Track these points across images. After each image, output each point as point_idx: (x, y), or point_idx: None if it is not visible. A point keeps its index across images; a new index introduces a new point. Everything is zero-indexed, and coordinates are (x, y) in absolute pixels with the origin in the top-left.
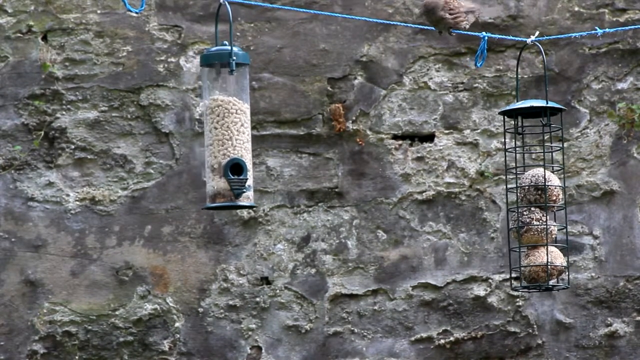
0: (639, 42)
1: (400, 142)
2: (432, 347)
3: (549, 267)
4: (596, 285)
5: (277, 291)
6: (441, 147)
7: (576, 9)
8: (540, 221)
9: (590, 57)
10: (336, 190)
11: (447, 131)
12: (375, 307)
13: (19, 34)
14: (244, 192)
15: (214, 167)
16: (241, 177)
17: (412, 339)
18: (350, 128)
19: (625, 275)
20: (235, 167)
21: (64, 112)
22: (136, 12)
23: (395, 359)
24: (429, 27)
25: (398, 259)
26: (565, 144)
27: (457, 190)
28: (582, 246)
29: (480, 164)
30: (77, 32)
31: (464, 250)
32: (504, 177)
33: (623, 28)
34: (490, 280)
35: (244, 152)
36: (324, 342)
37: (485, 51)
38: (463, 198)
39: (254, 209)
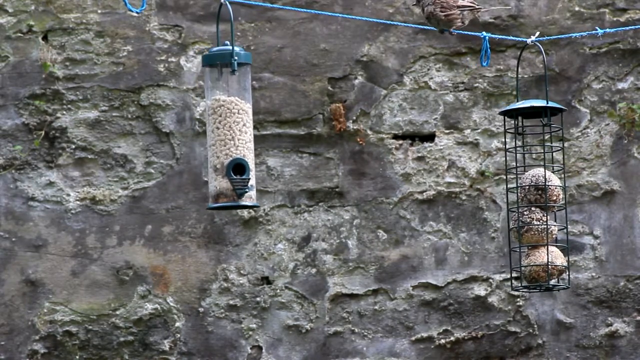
0: None
1: (400, 141)
2: (432, 346)
3: (549, 267)
4: (597, 285)
5: (278, 291)
6: (442, 147)
7: (577, 8)
8: (541, 221)
9: (591, 57)
10: (337, 190)
11: (447, 131)
12: (376, 307)
13: (19, 34)
14: (247, 191)
15: (216, 167)
16: (244, 177)
17: (413, 338)
18: (350, 128)
19: (625, 275)
20: (238, 167)
21: (64, 112)
22: (137, 12)
23: (395, 358)
24: (429, 27)
25: (398, 259)
26: (566, 144)
27: (457, 190)
28: (583, 246)
29: (480, 164)
30: (78, 32)
31: (464, 250)
32: (504, 177)
33: (623, 28)
34: (490, 280)
35: (247, 151)
36: (325, 341)
37: (489, 50)
38: (463, 198)
39: (255, 208)
